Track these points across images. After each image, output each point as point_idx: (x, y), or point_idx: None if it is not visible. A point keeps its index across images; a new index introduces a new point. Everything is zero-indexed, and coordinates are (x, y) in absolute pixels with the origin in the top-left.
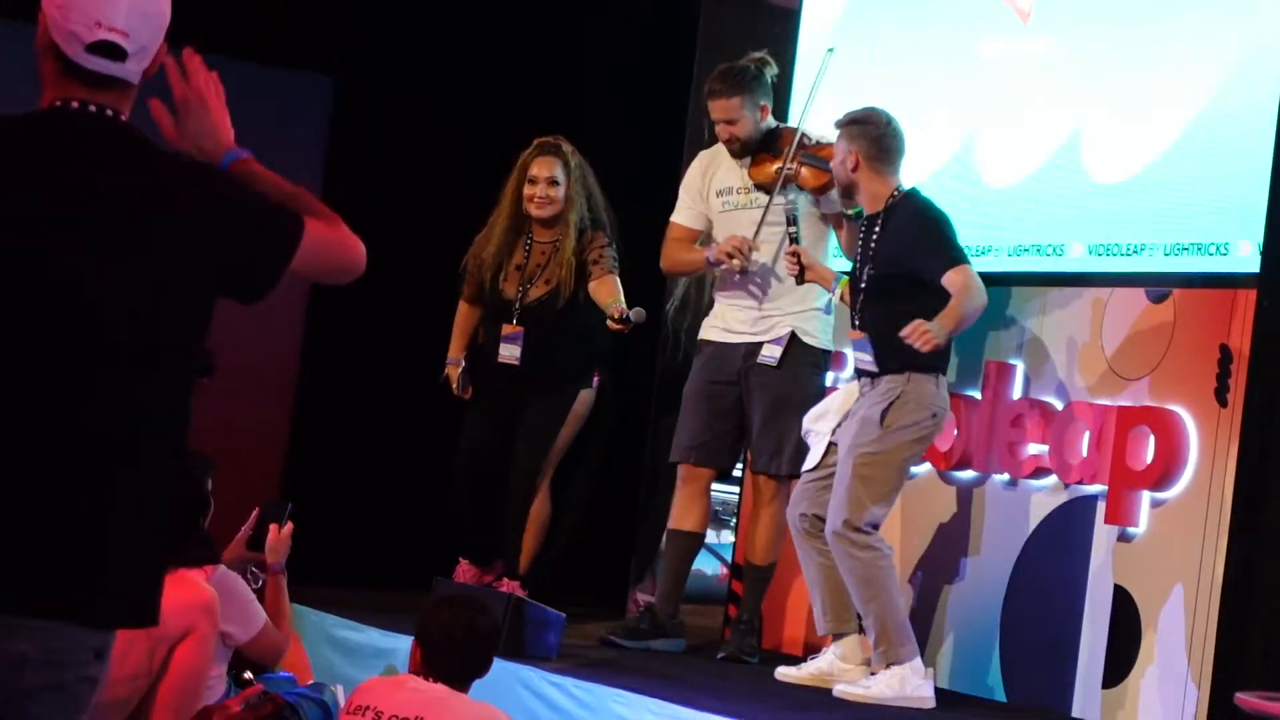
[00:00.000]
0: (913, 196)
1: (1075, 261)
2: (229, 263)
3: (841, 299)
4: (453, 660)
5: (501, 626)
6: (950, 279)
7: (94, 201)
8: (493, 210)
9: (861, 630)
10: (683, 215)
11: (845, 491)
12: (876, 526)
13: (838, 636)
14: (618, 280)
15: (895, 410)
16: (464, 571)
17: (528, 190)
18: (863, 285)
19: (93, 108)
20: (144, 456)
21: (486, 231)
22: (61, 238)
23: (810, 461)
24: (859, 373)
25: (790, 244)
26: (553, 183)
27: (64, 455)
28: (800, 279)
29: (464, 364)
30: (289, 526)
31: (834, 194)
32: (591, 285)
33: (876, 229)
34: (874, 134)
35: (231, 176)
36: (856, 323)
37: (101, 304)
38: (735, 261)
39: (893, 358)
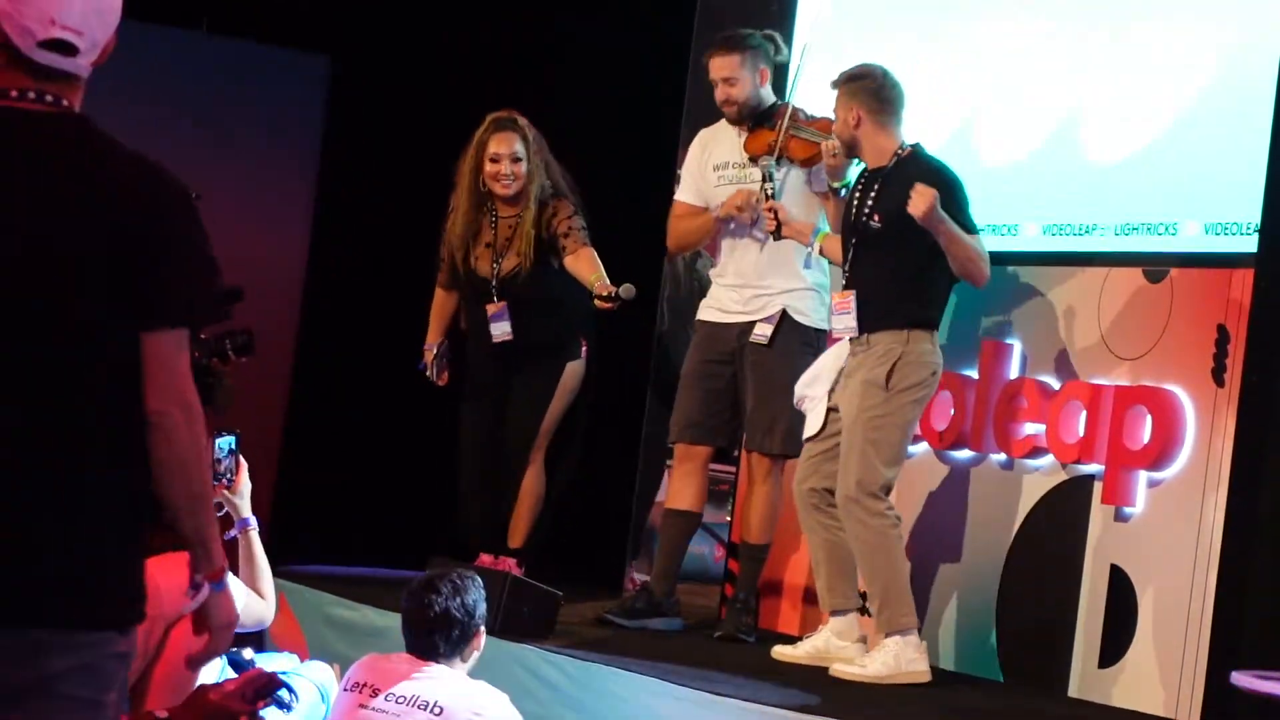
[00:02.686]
0: (923, 153)
1: (1072, 240)
2: (140, 285)
3: (820, 253)
4: (432, 640)
5: (498, 605)
6: None
7: (40, 191)
8: (452, 192)
9: (862, 610)
10: (685, 193)
11: (857, 457)
12: (889, 490)
13: (835, 613)
14: (594, 253)
15: (899, 371)
16: (484, 561)
17: (490, 169)
18: (856, 240)
19: (33, 94)
20: (87, 457)
21: (453, 215)
22: (5, 230)
23: (811, 429)
24: (860, 330)
25: (766, 199)
26: (515, 159)
27: (16, 451)
28: (777, 234)
29: (437, 349)
30: (243, 470)
31: (822, 169)
32: (568, 260)
33: (877, 184)
34: (873, 87)
35: (188, 208)
36: (844, 281)
37: (34, 296)
38: (744, 214)
39: (883, 316)
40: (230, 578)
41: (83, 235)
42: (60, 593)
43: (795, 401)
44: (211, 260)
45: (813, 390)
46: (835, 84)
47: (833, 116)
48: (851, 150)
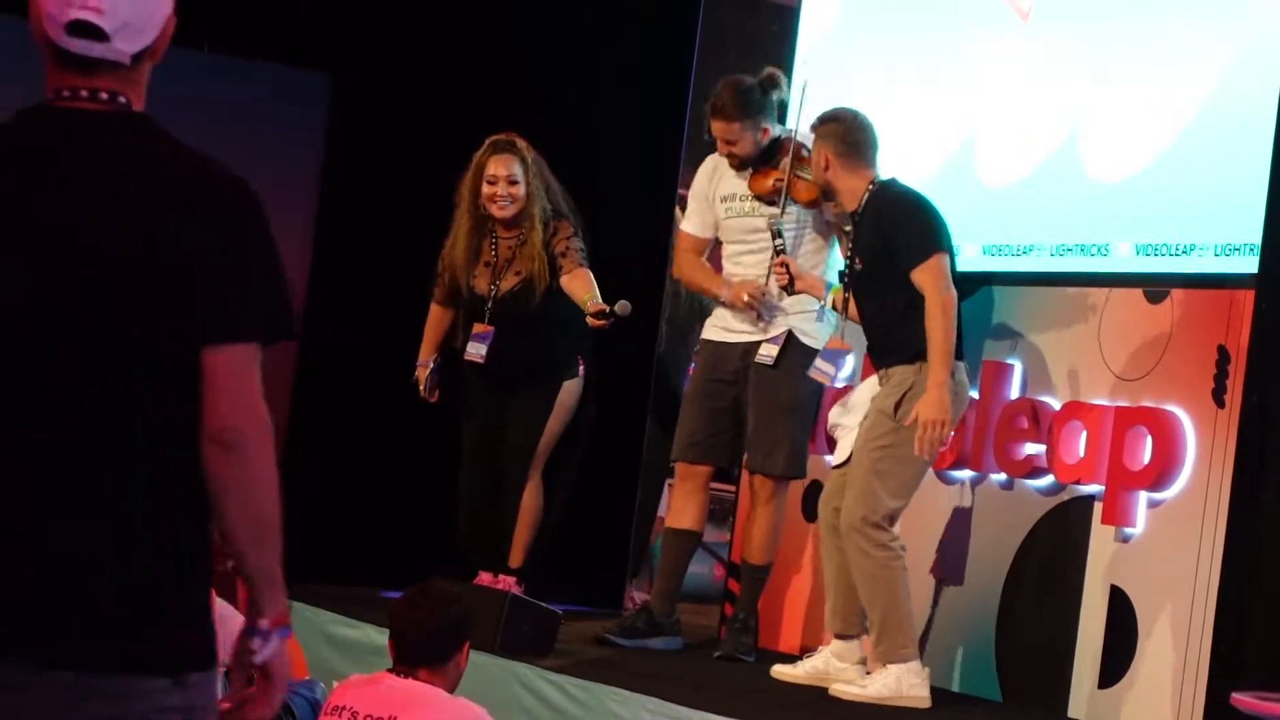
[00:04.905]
0: (888, 185)
1: (1073, 261)
2: (202, 297)
3: (833, 306)
4: (415, 657)
5: (498, 623)
6: (920, 277)
7: (93, 195)
8: (453, 213)
9: (867, 632)
10: (691, 224)
11: (861, 487)
12: (893, 521)
13: (839, 637)
14: (590, 274)
15: (908, 402)
16: (484, 580)
17: (487, 190)
18: (850, 285)
19: (85, 92)
20: (138, 478)
21: (453, 235)
22: (54, 236)
23: (839, 456)
24: (875, 366)
25: (777, 255)
26: (512, 181)
27: (60, 471)
28: (790, 289)
29: (432, 366)
30: None
31: (827, 209)
32: (564, 279)
33: (854, 226)
34: (840, 131)
35: (255, 214)
36: (847, 321)
37: (88, 305)
38: (751, 309)
39: (895, 351)
40: (231, 609)
41: (136, 243)
42: (102, 631)
43: (829, 429)
44: (280, 270)
45: (845, 420)
46: (812, 127)
47: None
48: (828, 194)
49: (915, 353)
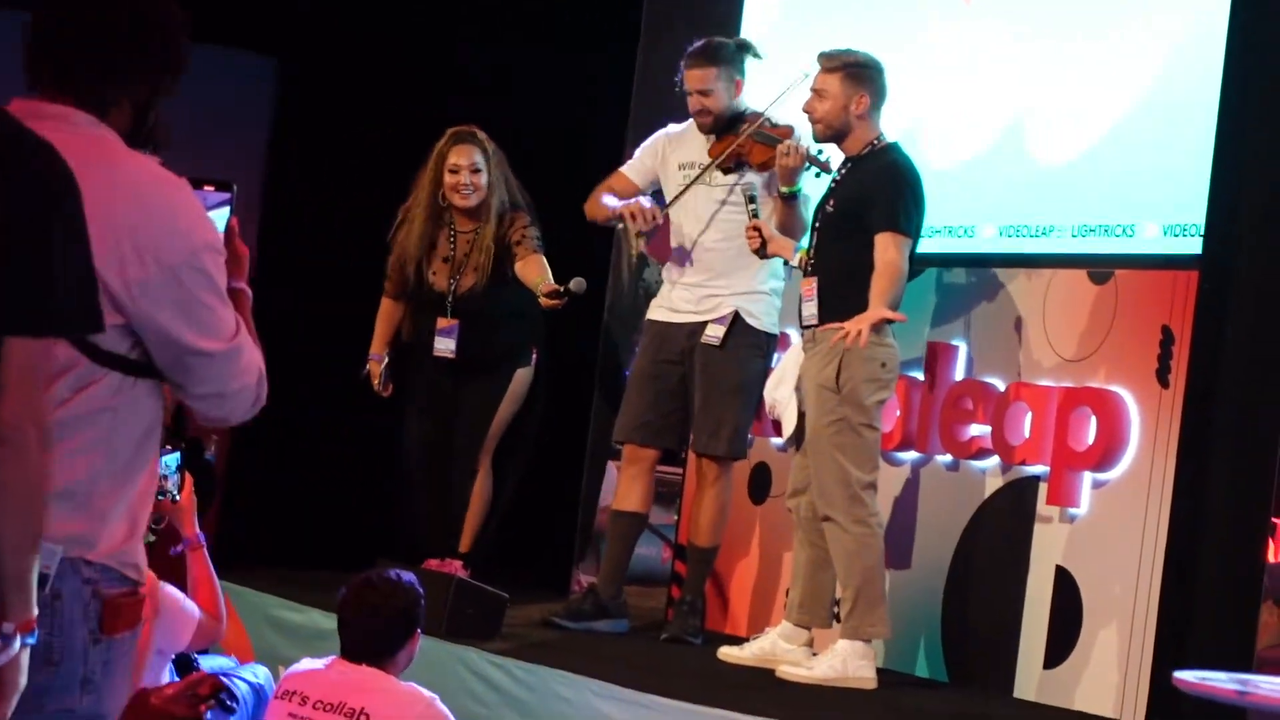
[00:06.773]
0: (897, 148)
1: (1018, 243)
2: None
3: (799, 265)
4: (365, 643)
5: (444, 607)
6: (883, 240)
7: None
8: (403, 203)
9: (837, 616)
10: (629, 167)
11: (830, 468)
12: (872, 490)
13: (798, 627)
14: (544, 260)
15: (846, 369)
16: (430, 564)
17: (450, 180)
18: (818, 226)
19: None
20: None
21: (407, 226)
22: None
23: (787, 431)
24: (803, 327)
25: (750, 219)
26: (475, 170)
27: None
28: (763, 253)
29: (386, 359)
30: (189, 486)
31: (776, 177)
32: (518, 266)
33: (844, 170)
34: (881, 82)
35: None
36: (809, 269)
37: None
38: (635, 223)
39: (838, 305)
40: (181, 596)
41: None
42: None
43: (767, 408)
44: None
45: (779, 393)
46: (834, 66)
47: (795, 126)
48: (840, 135)
49: (850, 315)
